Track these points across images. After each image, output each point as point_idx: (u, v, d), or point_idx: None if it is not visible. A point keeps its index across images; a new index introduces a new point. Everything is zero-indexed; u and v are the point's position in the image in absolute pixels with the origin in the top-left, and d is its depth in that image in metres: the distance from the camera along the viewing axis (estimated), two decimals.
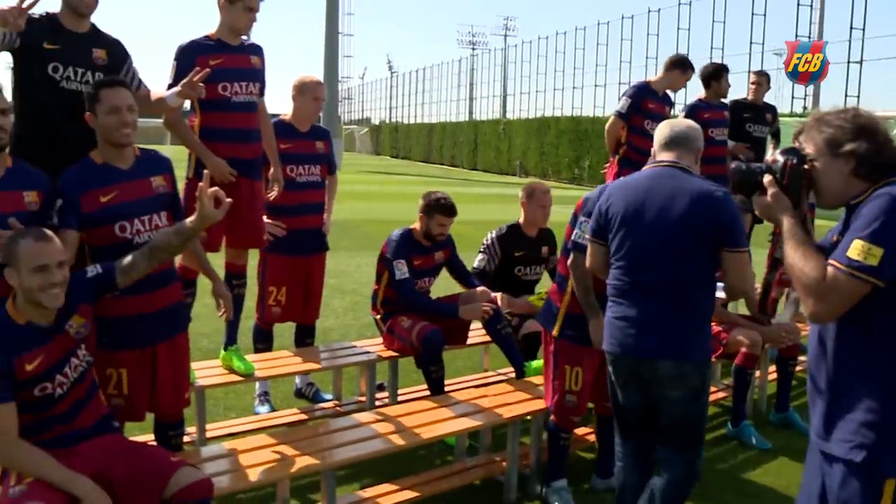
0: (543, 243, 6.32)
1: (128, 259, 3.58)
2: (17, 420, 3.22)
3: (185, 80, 4.42)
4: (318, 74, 5.85)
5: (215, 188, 3.58)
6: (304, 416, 5.77)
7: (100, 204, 3.78)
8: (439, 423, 4.67)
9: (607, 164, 7.95)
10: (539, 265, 6.31)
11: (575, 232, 4.47)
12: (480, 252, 6.22)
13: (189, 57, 4.93)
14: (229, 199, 3.61)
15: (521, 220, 6.23)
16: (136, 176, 3.93)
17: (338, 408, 5.99)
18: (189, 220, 3.61)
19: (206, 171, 3.66)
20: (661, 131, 3.98)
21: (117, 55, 4.46)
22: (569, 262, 4.49)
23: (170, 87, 4.81)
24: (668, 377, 3.74)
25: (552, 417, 4.78)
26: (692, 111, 7.79)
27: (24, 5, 3.73)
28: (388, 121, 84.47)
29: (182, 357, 4.19)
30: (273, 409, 5.96)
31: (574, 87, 48.51)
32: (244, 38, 5.16)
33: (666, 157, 3.90)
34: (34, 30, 4.15)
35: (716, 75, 7.98)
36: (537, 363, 5.68)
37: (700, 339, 3.82)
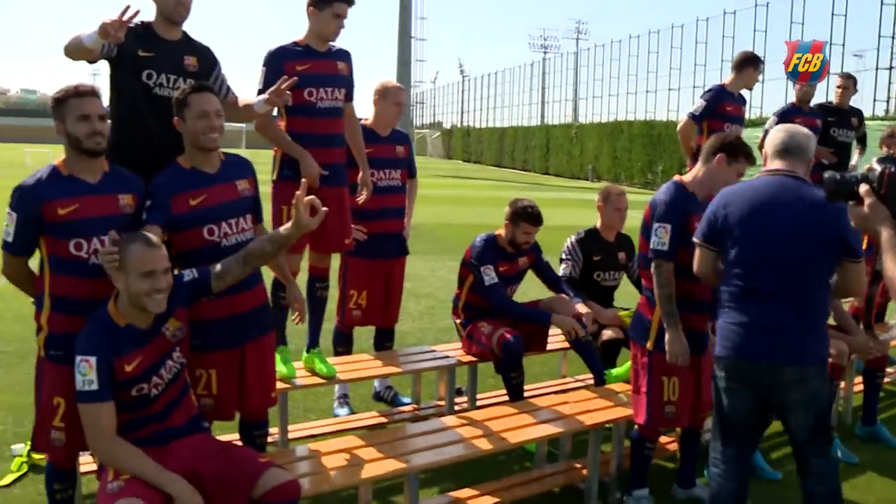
0: (621, 249, 6.26)
1: (222, 265, 3.66)
2: (115, 418, 3.34)
3: (272, 88, 4.49)
4: (391, 78, 5.87)
5: (312, 197, 3.63)
6: (383, 420, 5.81)
7: (189, 207, 3.86)
8: (520, 429, 4.65)
9: (686, 170, 7.82)
10: (617, 271, 6.25)
11: (652, 240, 4.42)
12: (563, 260, 6.17)
13: (277, 62, 4.99)
14: (325, 209, 3.66)
15: (599, 224, 6.20)
16: (222, 180, 4.00)
17: (417, 412, 6.01)
18: (284, 227, 3.68)
19: (303, 181, 3.72)
20: (777, 138, 3.94)
21: (207, 62, 4.55)
22: (652, 268, 4.44)
23: (259, 92, 4.88)
24: (791, 382, 3.74)
25: (637, 426, 4.72)
26: (784, 116, 7.64)
27: (125, 18, 3.84)
28: (459, 125, 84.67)
29: (268, 357, 4.26)
30: (352, 412, 6.02)
31: (647, 91, 48.14)
32: (331, 43, 5.21)
33: (780, 165, 3.88)
34: (130, 38, 4.26)
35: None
36: (617, 371, 5.63)
37: (820, 343, 3.83)
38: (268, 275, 4.36)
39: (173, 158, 4.02)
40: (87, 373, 3.27)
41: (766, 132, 7.44)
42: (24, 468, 4.93)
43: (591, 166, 47.30)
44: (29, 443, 4.98)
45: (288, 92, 4.49)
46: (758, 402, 3.88)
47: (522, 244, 5.72)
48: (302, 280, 4.88)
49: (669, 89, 45.54)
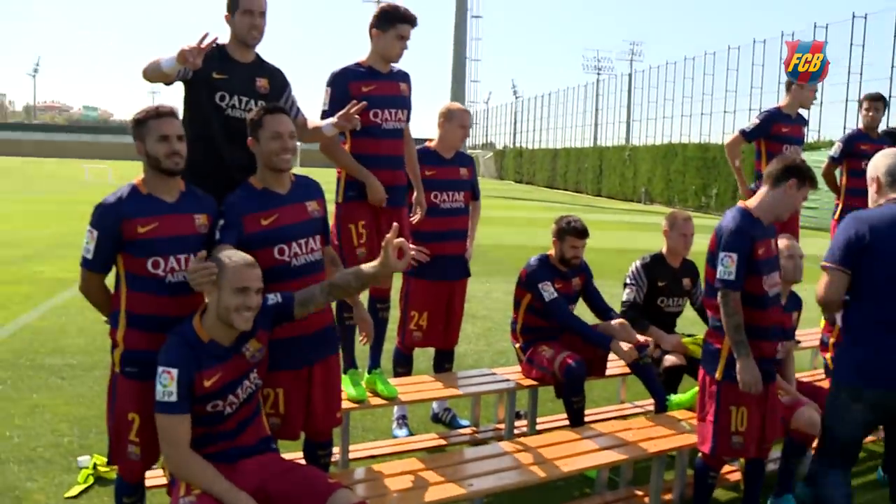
0: (686, 275, 6.20)
1: (306, 293, 3.71)
2: (190, 432, 3.39)
3: (342, 112, 4.54)
4: (445, 99, 5.89)
5: (401, 240, 3.65)
6: (442, 442, 5.81)
7: (260, 227, 3.91)
8: (582, 455, 4.63)
9: (754, 186, 7.64)
10: (681, 297, 6.19)
11: (720, 269, 4.36)
12: (627, 285, 6.11)
13: (342, 84, 5.05)
14: (414, 251, 3.70)
15: (665, 249, 6.15)
16: (293, 200, 4.05)
17: (475, 435, 6.00)
18: (370, 266, 3.73)
19: (395, 225, 3.74)
20: (893, 165, 4.04)
21: (278, 83, 4.63)
22: (719, 298, 4.38)
23: (324, 113, 4.94)
24: None
25: (701, 455, 4.66)
26: (851, 143, 7.54)
27: (203, 45, 3.94)
28: (511, 145, 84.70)
29: (335, 377, 4.29)
30: (411, 433, 6.03)
31: (702, 114, 47.71)
32: (393, 64, 5.25)
33: None
34: (205, 60, 4.36)
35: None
36: (680, 397, 5.56)
37: None
38: None
39: (243, 179, 4.08)
40: (167, 384, 3.33)
41: (840, 155, 7.38)
42: (91, 480, 5.00)
43: (643, 189, 46.96)
44: (96, 455, 5.08)
45: (357, 116, 4.55)
46: (874, 426, 3.97)
47: (572, 259, 5.75)
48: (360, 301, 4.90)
49: (725, 112, 45.11)
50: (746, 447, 4.52)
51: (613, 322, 5.76)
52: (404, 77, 5.33)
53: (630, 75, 64.96)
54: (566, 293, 5.81)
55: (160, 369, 3.37)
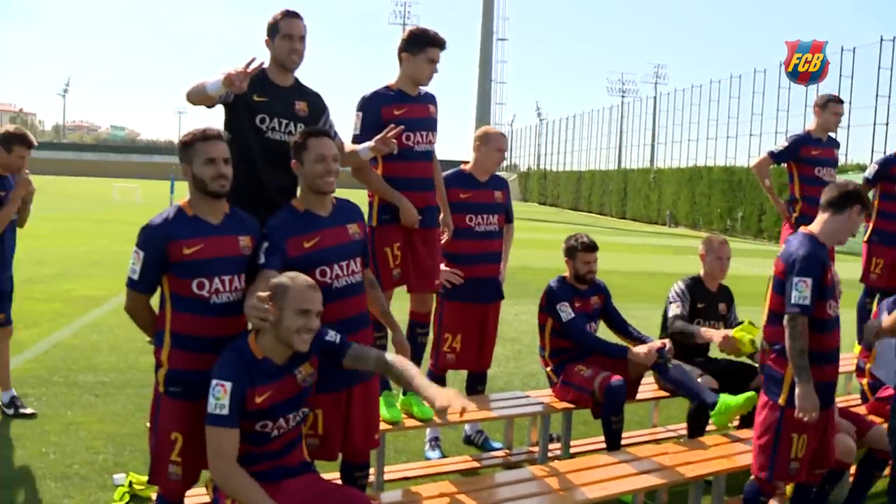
0: (722, 299, 6.22)
1: (362, 352, 3.72)
2: (237, 446, 3.42)
3: (379, 136, 4.59)
4: (470, 121, 5.91)
5: (452, 404, 3.58)
6: (475, 464, 5.81)
7: (304, 249, 3.94)
8: (617, 479, 4.59)
9: (794, 213, 7.58)
10: (717, 321, 6.16)
11: (794, 294, 4.33)
12: (672, 302, 6.10)
13: (374, 107, 5.09)
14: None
15: (702, 272, 6.19)
16: (335, 223, 4.08)
17: (509, 457, 5.99)
18: (419, 384, 3.66)
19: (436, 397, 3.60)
20: None
21: (317, 107, 4.68)
22: (786, 322, 4.35)
23: (355, 137, 4.97)
24: None
25: (755, 479, 4.59)
26: (887, 166, 7.50)
27: (249, 69, 4.00)
28: (535, 167, 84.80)
29: (374, 399, 4.30)
30: (444, 455, 6.01)
31: (728, 137, 47.66)
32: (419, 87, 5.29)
33: None
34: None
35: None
36: (735, 399, 5.36)
37: None
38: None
39: (283, 201, 4.13)
40: (220, 397, 3.37)
41: (874, 178, 7.35)
42: (126, 498, 5.02)
43: (668, 212, 46.88)
44: (132, 473, 5.11)
45: (394, 140, 4.58)
46: None
47: (587, 274, 5.84)
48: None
49: (751, 135, 45.07)
50: (800, 472, 4.50)
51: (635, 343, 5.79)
52: (432, 99, 5.37)
53: (655, 98, 64.98)
54: (585, 312, 5.85)
55: (214, 382, 3.40)
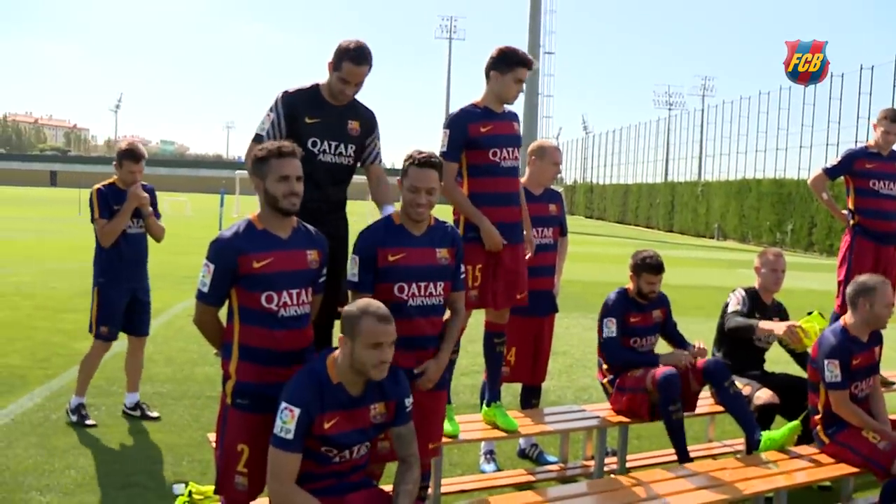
0: (776, 313, 6.18)
1: (408, 438, 3.75)
2: (298, 468, 3.45)
3: None
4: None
5: None
6: (530, 478, 5.79)
7: (388, 262, 3.99)
8: (676, 494, 4.54)
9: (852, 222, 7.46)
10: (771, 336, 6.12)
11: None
12: (731, 302, 6.14)
13: (461, 125, 5.11)
14: None
15: (757, 285, 6.18)
16: (425, 244, 4.12)
17: (564, 471, 5.96)
18: None
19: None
20: None
21: (369, 126, 4.77)
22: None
23: (443, 154, 4.99)
24: None
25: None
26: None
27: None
28: (581, 181, 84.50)
29: (438, 411, 4.31)
30: (498, 469, 6.01)
31: (777, 149, 46.93)
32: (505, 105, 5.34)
33: None
34: (298, 103, 4.50)
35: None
36: (775, 433, 5.39)
37: None
38: None
39: (322, 223, 4.17)
40: (287, 421, 3.41)
41: None
42: None
43: (717, 225, 46.40)
44: (192, 483, 5.18)
45: None
46: None
47: (648, 293, 5.81)
48: (466, 334, 4.90)
49: (801, 147, 44.31)
50: None
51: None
52: (515, 117, 5.40)
53: (702, 110, 64.44)
54: (646, 325, 5.86)
55: (283, 405, 3.43)
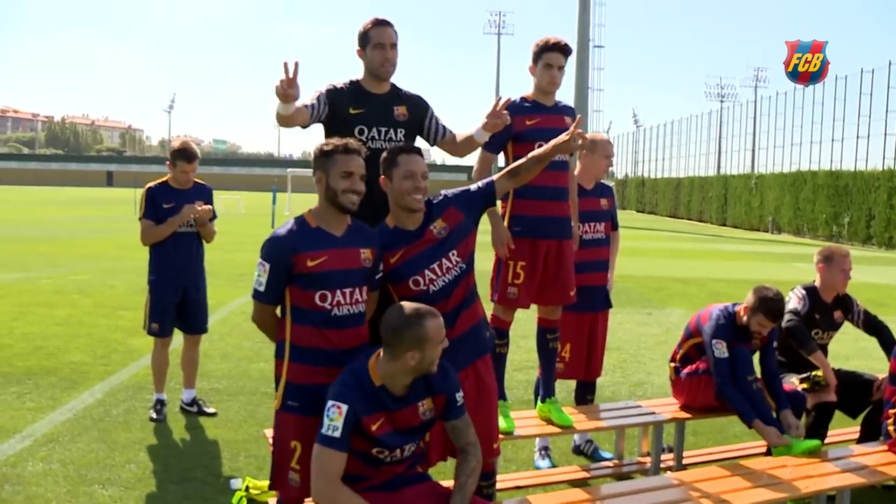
0: (836, 308, 6.02)
1: (465, 429, 3.70)
2: (343, 468, 3.42)
3: (489, 111, 4.55)
4: None
5: None
6: (585, 475, 5.73)
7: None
8: (734, 492, 4.46)
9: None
10: (833, 330, 6.01)
11: None
12: (792, 300, 5.95)
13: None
14: None
15: (818, 283, 5.99)
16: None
17: (619, 468, 5.91)
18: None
19: None
20: None
21: (418, 109, 4.73)
22: None
23: (486, 144, 4.97)
24: None
25: None
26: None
27: (290, 76, 3.95)
28: (632, 175, 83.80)
29: (494, 409, 4.26)
30: (553, 465, 5.98)
31: (833, 140, 45.98)
32: (558, 99, 5.30)
33: None
34: (340, 98, 4.50)
35: None
36: (804, 444, 5.17)
37: None
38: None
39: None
40: (335, 418, 3.38)
41: None
42: (244, 502, 5.13)
43: (771, 218, 45.67)
44: (248, 478, 5.23)
45: (506, 111, 4.54)
46: None
47: (755, 333, 5.48)
48: (518, 330, 4.89)
49: (858, 137, 43.36)
50: None
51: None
52: (569, 111, 5.33)
53: (755, 102, 63.42)
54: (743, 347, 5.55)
55: (330, 402, 3.41)
